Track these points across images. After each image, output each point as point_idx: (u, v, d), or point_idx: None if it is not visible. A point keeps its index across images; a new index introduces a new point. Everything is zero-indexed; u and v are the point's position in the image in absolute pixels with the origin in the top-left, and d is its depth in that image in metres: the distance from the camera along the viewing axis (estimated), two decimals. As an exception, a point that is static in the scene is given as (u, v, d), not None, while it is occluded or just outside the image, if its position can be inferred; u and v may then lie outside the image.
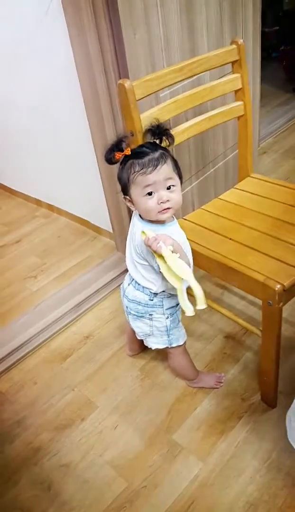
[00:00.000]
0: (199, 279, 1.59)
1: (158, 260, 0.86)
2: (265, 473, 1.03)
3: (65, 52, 1.40)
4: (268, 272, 0.97)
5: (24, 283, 1.74)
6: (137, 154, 0.88)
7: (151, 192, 0.88)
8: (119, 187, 0.95)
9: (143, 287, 1.02)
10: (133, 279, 1.05)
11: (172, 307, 1.05)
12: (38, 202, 2.23)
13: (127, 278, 1.09)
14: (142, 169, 0.86)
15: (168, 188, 0.88)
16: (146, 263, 0.96)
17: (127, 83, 1.01)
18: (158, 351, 1.35)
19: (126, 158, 0.90)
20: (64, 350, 1.43)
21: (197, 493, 1.01)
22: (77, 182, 1.86)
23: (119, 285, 1.59)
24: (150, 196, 0.88)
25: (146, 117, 1.07)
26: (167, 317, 1.06)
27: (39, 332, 1.47)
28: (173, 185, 0.89)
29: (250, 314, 1.44)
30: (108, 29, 1.24)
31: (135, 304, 1.05)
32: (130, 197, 0.92)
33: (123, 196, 0.95)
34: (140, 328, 1.09)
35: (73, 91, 1.48)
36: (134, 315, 1.07)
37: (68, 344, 1.45)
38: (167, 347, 1.11)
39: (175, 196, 0.89)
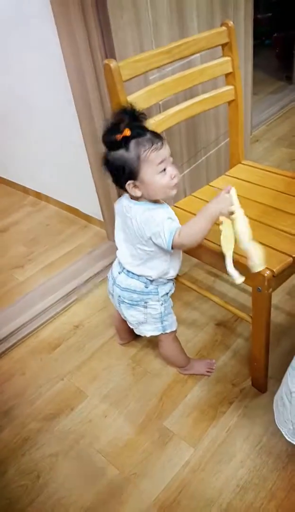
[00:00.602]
0: (190, 267, 1.60)
1: (223, 225, 0.86)
2: (255, 457, 1.03)
3: (50, 34, 1.36)
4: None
5: (12, 273, 1.72)
6: (139, 133, 0.85)
7: (165, 168, 0.87)
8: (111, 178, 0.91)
9: (137, 275, 1.00)
10: (123, 268, 1.03)
11: (166, 293, 1.05)
12: (25, 190, 2.20)
13: (116, 267, 1.07)
14: (152, 145, 0.84)
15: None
16: (152, 248, 0.94)
17: (113, 63, 0.98)
18: (149, 339, 1.34)
19: (125, 139, 0.84)
20: (53, 340, 1.41)
21: (188, 479, 1.01)
22: (66, 169, 1.83)
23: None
24: (164, 173, 0.87)
25: (134, 99, 1.05)
26: (162, 304, 1.05)
27: (27, 322, 1.46)
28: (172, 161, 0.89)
29: (241, 301, 1.44)
30: (94, 10, 1.21)
31: (129, 293, 1.03)
32: (140, 180, 0.87)
33: (128, 183, 0.89)
34: (134, 316, 1.08)
35: (59, 75, 1.44)
36: (128, 303, 1.05)
37: (58, 334, 1.44)
38: (160, 335, 1.11)
39: (178, 172, 0.90)
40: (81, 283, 1.59)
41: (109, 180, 0.93)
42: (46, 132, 1.78)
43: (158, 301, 1.04)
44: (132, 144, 0.85)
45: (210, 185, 1.29)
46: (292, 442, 0.78)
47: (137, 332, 1.13)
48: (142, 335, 1.12)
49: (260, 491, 0.97)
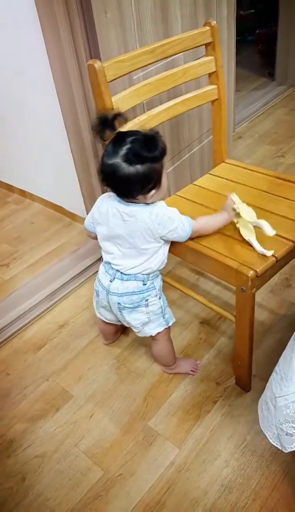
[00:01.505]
0: (175, 264, 1.60)
1: (238, 223, 1.03)
2: (240, 456, 1.04)
3: (34, 31, 1.34)
4: (241, 258, 0.97)
5: (-4, 271, 1.70)
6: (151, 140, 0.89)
7: None
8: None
9: (134, 275, 1.01)
10: (115, 273, 1.03)
11: (161, 286, 1.08)
12: (9, 188, 2.17)
13: (104, 277, 1.06)
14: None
15: None
16: (160, 244, 0.98)
17: (97, 64, 0.97)
18: (134, 338, 1.34)
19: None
20: (38, 340, 1.40)
21: (173, 479, 1.02)
22: (50, 167, 1.81)
23: (96, 272, 1.57)
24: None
25: (118, 100, 1.04)
26: (159, 297, 1.07)
27: (11, 322, 1.44)
28: None
29: (225, 299, 1.45)
30: (78, 7, 1.20)
31: (128, 296, 1.03)
32: (160, 186, 0.92)
33: (153, 192, 0.92)
34: (137, 319, 1.07)
35: (43, 72, 1.42)
36: (129, 308, 1.05)
37: (42, 333, 1.43)
38: (157, 334, 1.11)
39: None
40: (66, 282, 1.58)
41: (94, 179, 0.94)
42: (31, 130, 1.75)
43: (156, 295, 1.06)
44: (161, 152, 0.90)
45: (194, 184, 1.29)
46: (276, 446, 0.80)
47: (140, 334, 1.12)
48: (147, 335, 1.12)
49: (244, 491, 0.98)
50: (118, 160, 0.86)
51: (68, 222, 1.92)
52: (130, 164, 0.86)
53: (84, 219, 1.80)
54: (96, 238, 1.07)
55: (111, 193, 0.98)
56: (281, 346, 0.84)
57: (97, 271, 1.11)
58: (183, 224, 0.97)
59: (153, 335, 1.11)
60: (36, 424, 1.17)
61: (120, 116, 0.91)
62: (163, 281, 1.32)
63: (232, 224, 1.07)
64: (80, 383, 1.26)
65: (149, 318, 1.08)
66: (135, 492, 1.00)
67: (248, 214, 1.02)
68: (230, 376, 1.21)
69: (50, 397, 1.23)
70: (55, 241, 1.82)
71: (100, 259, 1.61)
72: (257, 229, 1.01)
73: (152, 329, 1.10)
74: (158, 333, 1.11)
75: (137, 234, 0.95)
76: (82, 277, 1.61)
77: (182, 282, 1.52)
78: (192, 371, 1.23)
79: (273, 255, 0.97)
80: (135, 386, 1.23)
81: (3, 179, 2.18)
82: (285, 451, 0.77)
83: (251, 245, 0.99)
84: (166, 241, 1.01)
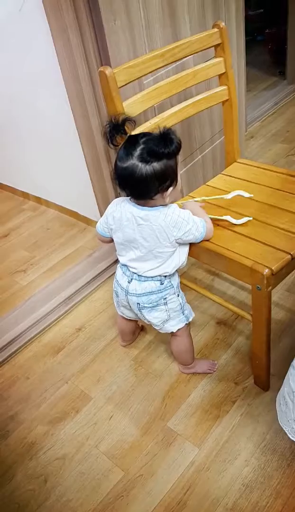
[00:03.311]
0: (190, 266, 1.60)
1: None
2: (260, 455, 1.04)
3: (45, 39, 1.37)
4: (256, 256, 0.97)
5: (14, 277, 1.72)
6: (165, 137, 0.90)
7: None
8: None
9: (151, 276, 1.02)
10: (133, 274, 1.04)
11: (178, 283, 1.09)
12: (25, 195, 2.20)
13: (122, 278, 1.07)
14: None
15: None
16: (175, 247, 0.99)
17: (108, 70, 0.99)
18: (151, 339, 1.35)
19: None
20: (56, 344, 1.42)
21: (193, 479, 1.02)
22: (64, 173, 1.83)
23: (111, 275, 1.60)
24: None
25: (129, 105, 1.05)
26: (178, 295, 1.09)
27: (30, 327, 1.47)
28: None
29: (241, 299, 1.45)
30: (88, 16, 1.22)
31: (147, 296, 1.05)
32: (175, 185, 0.93)
33: (170, 190, 0.92)
34: (157, 317, 1.09)
35: (55, 80, 1.45)
36: (148, 307, 1.06)
37: (60, 337, 1.44)
38: (177, 330, 1.12)
39: None
40: (82, 286, 1.60)
41: (108, 183, 0.95)
42: (44, 137, 1.79)
43: (175, 293, 1.07)
44: (175, 151, 0.90)
45: (207, 185, 1.30)
46: (295, 440, 0.79)
47: (162, 331, 1.13)
48: (168, 332, 1.13)
49: (266, 490, 0.97)
50: (134, 162, 0.87)
51: (83, 227, 1.94)
52: (146, 163, 0.87)
53: (98, 223, 1.84)
54: (108, 242, 1.09)
55: (125, 198, 0.99)
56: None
57: (113, 273, 1.12)
58: (197, 225, 0.98)
59: (174, 331, 1.12)
60: (57, 427, 1.18)
61: (129, 120, 0.93)
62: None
63: (247, 223, 1.07)
64: (98, 385, 1.27)
65: (169, 316, 1.09)
66: (156, 492, 1.01)
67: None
68: (249, 376, 1.21)
69: (70, 400, 1.24)
70: (70, 246, 1.84)
71: (115, 261, 1.62)
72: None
73: (173, 326, 1.11)
74: (179, 329, 1.11)
75: (153, 238, 0.96)
76: (98, 280, 1.63)
77: (198, 283, 1.52)
78: (209, 370, 1.23)
79: (288, 253, 0.96)
80: (153, 387, 1.23)
81: (19, 188, 2.22)
82: (305, 447, 0.76)
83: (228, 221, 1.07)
84: (181, 245, 1.02)
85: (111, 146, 0.93)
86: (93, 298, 1.57)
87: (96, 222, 1.84)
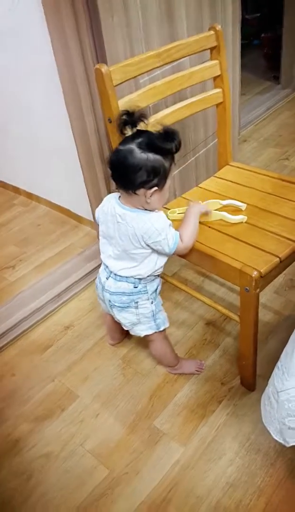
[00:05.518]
0: (180, 266, 1.61)
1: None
2: (244, 454, 1.05)
3: (42, 35, 1.36)
4: (245, 259, 0.98)
5: (2, 273, 1.71)
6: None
7: None
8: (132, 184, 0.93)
9: (126, 277, 1.02)
10: (111, 272, 1.04)
11: (155, 290, 1.07)
12: (16, 190, 2.19)
13: (103, 273, 1.08)
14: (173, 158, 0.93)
15: None
16: (148, 250, 0.98)
17: (104, 68, 0.99)
18: (139, 339, 1.35)
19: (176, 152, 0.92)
20: (43, 341, 1.42)
21: (178, 477, 1.03)
22: (57, 170, 1.83)
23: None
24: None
25: (125, 103, 1.06)
26: (152, 302, 1.07)
27: (17, 323, 1.46)
28: None
29: (230, 300, 1.46)
30: (85, 12, 1.21)
31: (118, 296, 1.05)
32: (162, 189, 0.94)
33: (154, 189, 0.92)
34: (126, 318, 1.09)
35: (50, 76, 1.44)
36: (119, 307, 1.07)
37: (48, 335, 1.44)
38: (151, 334, 1.12)
39: None
40: (71, 284, 1.60)
41: (101, 181, 0.96)
42: (38, 133, 1.78)
43: (148, 299, 1.06)
44: (169, 155, 0.92)
45: (199, 187, 1.31)
46: (278, 441, 0.80)
47: (132, 333, 1.14)
48: (137, 335, 1.13)
49: (249, 488, 0.99)
50: (132, 146, 0.89)
51: (74, 224, 1.94)
52: (143, 151, 0.88)
53: (90, 221, 1.85)
54: None
55: (116, 194, 0.99)
56: (285, 346, 0.85)
57: (96, 278, 1.13)
58: (167, 240, 0.95)
59: (142, 336, 1.12)
60: (42, 424, 1.18)
61: (144, 118, 0.93)
62: (169, 283, 1.34)
63: (237, 226, 1.08)
64: (85, 384, 1.27)
65: (139, 320, 1.09)
66: (141, 490, 1.01)
67: (214, 204, 1.14)
68: (235, 376, 1.22)
69: (56, 398, 1.24)
70: (61, 243, 1.84)
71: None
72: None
73: (142, 331, 1.11)
74: (149, 334, 1.12)
75: (127, 238, 0.96)
76: (88, 279, 1.62)
77: (188, 284, 1.53)
78: (196, 371, 1.24)
79: (277, 256, 0.98)
80: (140, 386, 1.24)
81: (9, 182, 2.20)
82: (288, 445, 0.77)
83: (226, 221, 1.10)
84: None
85: (119, 133, 0.94)
86: (82, 297, 1.57)
87: (88, 220, 1.87)
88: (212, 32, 1.19)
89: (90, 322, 1.47)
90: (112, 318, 1.22)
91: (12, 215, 2.06)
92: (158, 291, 1.09)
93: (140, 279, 1.02)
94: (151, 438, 1.11)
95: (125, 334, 1.38)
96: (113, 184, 1.54)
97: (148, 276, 1.02)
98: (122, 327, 1.31)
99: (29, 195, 2.13)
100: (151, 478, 1.03)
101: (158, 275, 1.07)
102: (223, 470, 1.02)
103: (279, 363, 0.79)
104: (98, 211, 1.05)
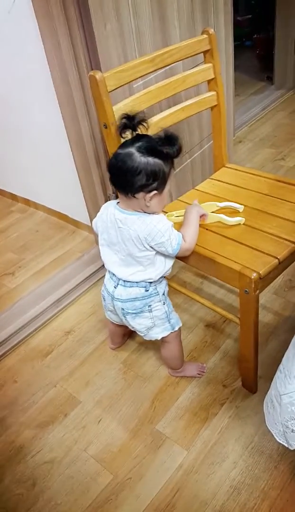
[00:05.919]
0: (179, 269, 1.61)
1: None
2: (247, 457, 1.05)
3: (35, 42, 1.36)
4: (244, 261, 0.98)
5: (1, 280, 1.71)
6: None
7: None
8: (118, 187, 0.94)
9: (136, 282, 1.02)
10: (118, 280, 1.04)
11: (165, 291, 1.08)
12: (13, 197, 2.19)
13: (109, 282, 1.08)
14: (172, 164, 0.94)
15: None
16: (153, 252, 0.98)
17: (98, 75, 0.99)
18: (140, 342, 1.36)
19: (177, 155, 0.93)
20: (44, 347, 1.42)
21: (182, 482, 1.03)
22: (54, 175, 1.83)
23: (100, 278, 1.60)
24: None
25: (119, 109, 1.06)
26: (164, 303, 1.08)
27: (18, 330, 1.46)
28: None
29: (229, 302, 1.46)
30: (78, 20, 1.22)
31: (131, 302, 1.05)
32: (161, 193, 0.94)
33: (153, 193, 0.92)
34: (141, 324, 1.08)
35: (44, 83, 1.45)
36: (132, 313, 1.06)
37: (49, 340, 1.44)
38: (167, 336, 1.12)
39: None
40: (71, 289, 1.60)
41: (97, 186, 0.96)
42: (33, 139, 1.78)
43: (160, 301, 1.07)
44: (169, 159, 0.93)
45: (195, 189, 1.31)
46: (282, 443, 0.81)
47: (147, 338, 1.13)
48: (153, 339, 1.13)
49: (253, 491, 0.99)
50: (131, 150, 0.89)
51: (72, 229, 1.94)
52: (142, 154, 0.89)
53: (88, 226, 1.85)
54: None
55: (113, 201, 0.99)
56: (286, 347, 0.85)
57: (102, 276, 1.13)
58: (171, 241, 0.96)
59: (159, 339, 1.12)
60: (45, 430, 1.18)
61: (144, 122, 0.95)
62: (168, 285, 1.33)
63: (235, 228, 1.09)
64: (87, 389, 1.27)
65: (154, 323, 1.09)
66: (145, 495, 1.01)
67: (211, 207, 1.15)
68: (236, 378, 1.22)
69: (58, 403, 1.24)
70: (59, 248, 1.84)
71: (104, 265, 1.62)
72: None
73: (158, 333, 1.11)
74: (165, 336, 1.12)
75: (130, 242, 0.96)
76: (87, 283, 1.63)
77: (187, 286, 1.53)
78: (198, 374, 1.24)
79: (275, 257, 0.98)
80: (142, 390, 1.24)
81: (7, 189, 2.21)
82: (291, 448, 0.78)
83: (224, 223, 1.11)
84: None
85: (118, 135, 0.96)
86: (82, 301, 1.57)
87: (86, 225, 1.87)
88: (205, 35, 1.20)
89: (91, 326, 1.47)
90: (113, 323, 1.22)
91: (10, 222, 2.06)
92: (166, 292, 1.10)
93: (150, 282, 1.03)
94: (154, 442, 1.11)
95: (126, 339, 1.38)
96: (109, 188, 1.56)
97: (158, 279, 1.03)
98: (124, 331, 1.31)
99: (27, 202, 2.13)
100: (155, 482, 1.03)
101: (163, 277, 1.07)
102: (227, 473, 1.02)
103: (281, 366, 0.79)
104: (96, 220, 1.04)
